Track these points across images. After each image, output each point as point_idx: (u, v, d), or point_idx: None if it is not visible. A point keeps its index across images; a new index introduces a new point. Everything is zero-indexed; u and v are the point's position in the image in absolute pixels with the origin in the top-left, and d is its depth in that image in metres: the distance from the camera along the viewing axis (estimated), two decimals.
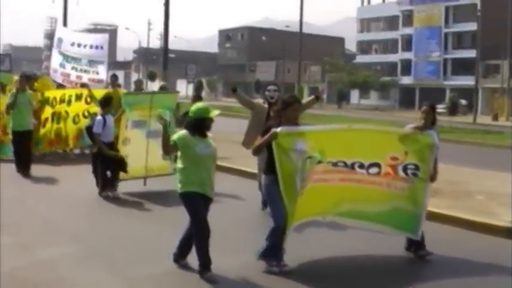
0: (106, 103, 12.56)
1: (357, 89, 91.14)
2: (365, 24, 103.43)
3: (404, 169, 8.04)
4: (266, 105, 10.85)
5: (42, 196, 12.42)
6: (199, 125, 7.20)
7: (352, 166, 7.91)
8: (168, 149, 7.34)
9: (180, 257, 7.48)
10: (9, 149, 15.69)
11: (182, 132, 7.25)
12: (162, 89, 18.12)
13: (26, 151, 14.78)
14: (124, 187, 12.20)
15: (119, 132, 12.70)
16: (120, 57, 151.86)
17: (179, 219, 7.79)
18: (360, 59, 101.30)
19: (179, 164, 7.23)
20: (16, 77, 16.68)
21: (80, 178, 13.82)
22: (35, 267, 7.63)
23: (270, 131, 7.42)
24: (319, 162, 7.42)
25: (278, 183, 7.34)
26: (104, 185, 12.08)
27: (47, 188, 13.23)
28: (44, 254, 8.19)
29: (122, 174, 12.17)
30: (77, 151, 18.70)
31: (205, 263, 7.01)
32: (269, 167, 7.45)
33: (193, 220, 7.09)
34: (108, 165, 12.10)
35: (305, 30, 70.26)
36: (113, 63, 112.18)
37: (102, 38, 22.03)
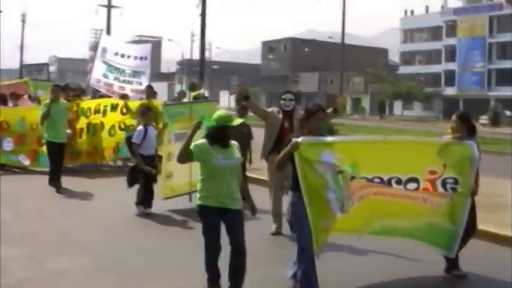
0: (145, 111, 12.04)
1: (400, 100, 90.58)
2: (408, 34, 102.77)
3: (443, 184, 7.45)
4: (280, 115, 10.17)
5: (66, 207, 12.40)
6: (219, 134, 6.73)
7: (389, 182, 7.30)
8: (184, 156, 6.84)
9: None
10: (45, 160, 15.28)
11: (201, 141, 6.78)
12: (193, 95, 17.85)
13: (57, 163, 14.34)
14: (169, 204, 11.79)
15: (160, 146, 12.14)
16: (163, 68, 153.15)
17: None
18: (403, 69, 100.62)
19: (199, 175, 6.88)
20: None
21: (109, 191, 13.86)
22: (41, 280, 7.60)
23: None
24: (353, 178, 6.79)
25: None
26: (143, 199, 11.59)
27: (73, 200, 13.13)
28: (53, 266, 8.15)
29: (166, 191, 11.82)
30: (110, 163, 18.57)
31: (213, 278, 6.78)
32: (296, 183, 6.74)
33: (204, 235, 6.76)
34: (144, 179, 11.58)
35: (348, 41, 70.33)
36: (157, 75, 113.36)
37: (145, 49, 21.98)
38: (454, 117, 7.92)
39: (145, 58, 20.90)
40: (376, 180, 7.26)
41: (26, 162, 17.04)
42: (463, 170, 7.51)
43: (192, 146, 6.72)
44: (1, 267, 7.81)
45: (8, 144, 16.96)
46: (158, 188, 11.77)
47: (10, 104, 18.34)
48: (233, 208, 6.78)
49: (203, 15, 32.19)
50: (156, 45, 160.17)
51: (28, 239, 9.58)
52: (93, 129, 17.25)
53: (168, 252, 8.98)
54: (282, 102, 10.18)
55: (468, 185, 7.51)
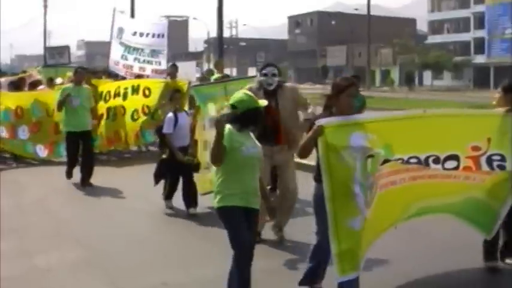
0: (172, 96, 10.75)
1: (429, 70, 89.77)
2: (436, 3, 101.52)
3: (489, 161, 6.55)
4: (261, 93, 7.96)
5: (71, 199, 11.98)
6: (252, 118, 5.81)
7: (426, 161, 6.27)
8: (219, 157, 5.70)
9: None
10: (63, 149, 14.25)
11: (228, 129, 5.72)
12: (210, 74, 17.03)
13: (86, 156, 12.76)
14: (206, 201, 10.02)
15: (194, 134, 10.44)
16: (191, 48, 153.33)
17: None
18: (432, 39, 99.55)
19: (217, 172, 5.87)
20: (69, 73, 15.64)
21: (125, 180, 12.95)
22: (24, 277, 7.29)
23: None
24: (386, 161, 5.76)
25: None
26: (170, 194, 10.47)
27: (81, 191, 12.33)
28: (41, 261, 7.83)
29: (205, 186, 9.88)
30: (135, 148, 17.62)
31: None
32: (320, 172, 5.75)
33: (234, 243, 5.68)
34: (180, 173, 10.24)
35: (376, 12, 69.86)
36: (185, 54, 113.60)
37: (162, 26, 21.08)
38: (499, 89, 7.18)
39: (163, 36, 20.01)
40: (412, 160, 6.21)
41: (44, 153, 15.95)
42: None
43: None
44: None
45: (24, 133, 15.90)
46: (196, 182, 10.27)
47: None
48: (256, 208, 5.92)
49: None
50: (183, 24, 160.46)
51: (23, 232, 9.30)
52: (114, 114, 16.22)
53: (169, 248, 8.52)
54: (262, 78, 8.23)
55: None
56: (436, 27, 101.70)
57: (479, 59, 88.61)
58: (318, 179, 5.87)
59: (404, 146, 6.15)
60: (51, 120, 15.77)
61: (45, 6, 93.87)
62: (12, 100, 16.17)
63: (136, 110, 16.14)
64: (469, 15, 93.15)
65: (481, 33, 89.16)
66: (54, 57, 25.61)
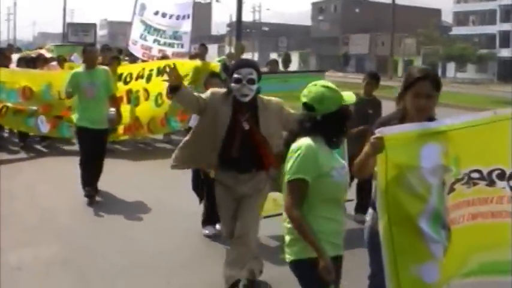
0: (207, 80, 8.10)
1: (453, 62, 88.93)
2: None
3: None
4: (229, 102, 5.84)
5: (64, 190, 10.72)
6: (338, 124, 4.14)
7: (490, 176, 4.50)
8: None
9: None
10: (68, 129, 13.46)
11: (305, 143, 4.05)
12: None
13: (95, 157, 10.12)
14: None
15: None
16: (213, 31, 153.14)
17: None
18: (456, 30, 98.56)
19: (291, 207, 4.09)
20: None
21: (134, 175, 11.55)
22: None
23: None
24: (456, 181, 4.35)
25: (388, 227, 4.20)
26: (209, 218, 8.16)
27: (76, 185, 10.14)
28: (13, 258, 7.19)
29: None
30: (159, 137, 15.94)
31: None
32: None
33: None
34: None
35: (401, 2, 69.12)
36: (207, 37, 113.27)
37: (187, 5, 18.98)
38: None
39: (188, 16, 18.46)
40: (474, 175, 4.48)
41: (46, 128, 14.33)
42: None
43: (306, 160, 4.02)
44: None
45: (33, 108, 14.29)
46: None
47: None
48: (341, 254, 4.31)
49: None
50: (207, 7, 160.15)
51: (2, 223, 8.44)
52: (135, 98, 14.40)
53: (157, 248, 7.74)
54: (234, 85, 5.75)
55: None
56: (461, 18, 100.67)
57: (504, 53, 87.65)
58: (373, 205, 4.49)
59: (467, 157, 4.45)
60: (63, 104, 13.87)
61: None
62: (23, 78, 14.37)
63: (160, 94, 14.11)
64: (495, 7, 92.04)
65: (507, 26, 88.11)
66: (78, 34, 24.78)
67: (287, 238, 4.19)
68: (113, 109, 10.37)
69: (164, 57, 16.77)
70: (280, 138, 5.65)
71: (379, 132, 4.08)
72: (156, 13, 18.39)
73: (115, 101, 10.73)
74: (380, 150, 4.06)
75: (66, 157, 13.13)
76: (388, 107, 6.54)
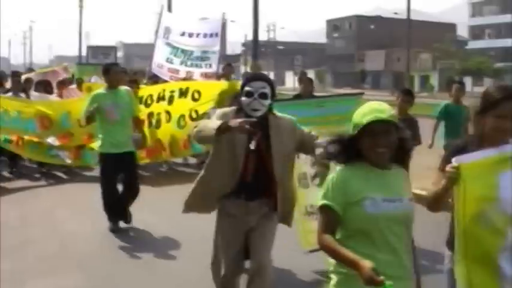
0: (233, 102, 7.50)
1: (469, 76, 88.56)
2: (477, 8, 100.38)
3: None
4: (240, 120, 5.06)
5: (83, 212, 10.61)
6: (370, 143, 3.55)
7: None
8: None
9: None
10: (92, 156, 12.86)
11: (339, 168, 3.70)
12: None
13: (127, 188, 9.60)
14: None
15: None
16: (228, 50, 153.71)
17: None
18: (473, 44, 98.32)
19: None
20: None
21: (156, 201, 10.93)
22: None
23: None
24: None
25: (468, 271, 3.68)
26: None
27: (97, 211, 9.80)
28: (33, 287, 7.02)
29: (309, 239, 6.87)
30: (179, 160, 15.50)
31: None
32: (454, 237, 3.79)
33: None
34: None
35: (415, 17, 68.99)
36: (223, 57, 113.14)
37: (215, 24, 18.14)
38: None
39: (216, 35, 17.57)
40: None
41: (69, 160, 14.04)
42: None
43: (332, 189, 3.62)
44: None
45: (52, 140, 13.91)
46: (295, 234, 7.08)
47: (55, 94, 16.14)
48: None
49: None
50: (222, 26, 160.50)
51: (21, 250, 8.35)
52: (157, 121, 13.85)
53: (182, 277, 7.46)
54: (245, 100, 5.27)
55: None
56: (476, 32, 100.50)
57: None
58: (450, 245, 3.98)
59: None
60: (83, 131, 13.36)
61: (81, 7, 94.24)
62: (41, 107, 13.97)
63: (183, 116, 13.65)
64: (511, 20, 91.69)
65: None
66: (98, 57, 24.65)
67: (330, 274, 3.75)
68: (136, 134, 9.80)
69: (189, 78, 16.37)
70: (292, 170, 5.60)
71: (456, 160, 3.62)
72: (183, 34, 17.73)
73: (139, 123, 10.19)
74: (456, 181, 3.61)
75: (87, 183, 12.88)
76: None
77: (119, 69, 10.16)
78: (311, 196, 6.71)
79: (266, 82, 5.33)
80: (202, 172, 5.55)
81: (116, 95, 9.41)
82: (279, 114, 5.47)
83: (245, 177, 5.25)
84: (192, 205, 5.66)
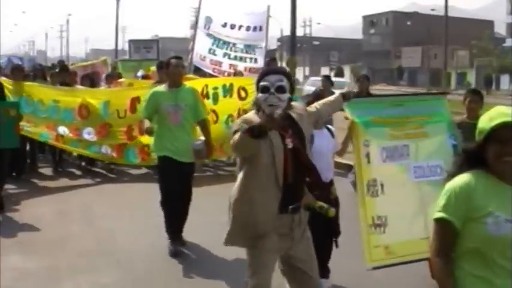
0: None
1: (507, 74, 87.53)
2: None
3: None
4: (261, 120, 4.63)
5: (122, 208, 10.54)
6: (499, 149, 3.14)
7: None
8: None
9: None
10: (135, 155, 13.03)
11: (462, 179, 3.24)
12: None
13: (182, 201, 8.23)
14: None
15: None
16: None
17: None
18: (510, 42, 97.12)
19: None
20: (153, 68, 13.50)
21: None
22: None
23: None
24: None
25: None
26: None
27: (137, 209, 10.08)
28: (68, 285, 6.88)
29: (376, 254, 5.96)
30: (223, 159, 14.85)
31: None
32: None
33: None
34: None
35: (453, 14, 68.37)
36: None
37: (260, 17, 17.23)
38: None
39: (261, 28, 16.78)
40: None
41: (111, 154, 13.54)
42: None
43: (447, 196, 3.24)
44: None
45: (90, 136, 13.38)
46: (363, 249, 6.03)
47: (102, 87, 15.76)
48: None
49: None
50: None
51: (59, 247, 8.20)
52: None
53: (221, 274, 7.23)
54: (261, 96, 4.80)
55: None
56: None
57: None
58: None
59: None
60: (123, 124, 13.07)
61: (118, 0, 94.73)
62: (80, 96, 13.44)
63: (231, 116, 13.05)
64: None
65: None
66: (140, 51, 23.92)
67: None
68: (201, 138, 8.38)
69: (236, 73, 15.85)
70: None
71: None
72: (224, 25, 16.84)
73: (206, 128, 8.52)
74: None
75: (128, 183, 12.89)
76: None
77: (181, 63, 8.36)
78: (380, 206, 6.08)
79: (283, 75, 4.86)
80: (236, 193, 4.91)
81: (178, 95, 7.98)
82: (292, 103, 4.95)
83: (286, 179, 4.71)
84: (234, 238, 5.09)
